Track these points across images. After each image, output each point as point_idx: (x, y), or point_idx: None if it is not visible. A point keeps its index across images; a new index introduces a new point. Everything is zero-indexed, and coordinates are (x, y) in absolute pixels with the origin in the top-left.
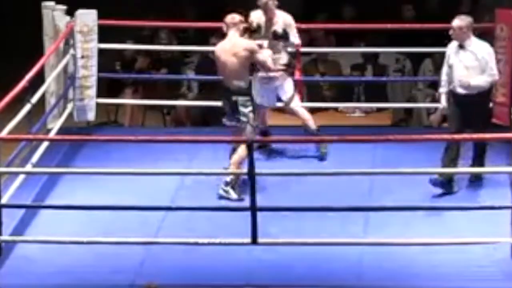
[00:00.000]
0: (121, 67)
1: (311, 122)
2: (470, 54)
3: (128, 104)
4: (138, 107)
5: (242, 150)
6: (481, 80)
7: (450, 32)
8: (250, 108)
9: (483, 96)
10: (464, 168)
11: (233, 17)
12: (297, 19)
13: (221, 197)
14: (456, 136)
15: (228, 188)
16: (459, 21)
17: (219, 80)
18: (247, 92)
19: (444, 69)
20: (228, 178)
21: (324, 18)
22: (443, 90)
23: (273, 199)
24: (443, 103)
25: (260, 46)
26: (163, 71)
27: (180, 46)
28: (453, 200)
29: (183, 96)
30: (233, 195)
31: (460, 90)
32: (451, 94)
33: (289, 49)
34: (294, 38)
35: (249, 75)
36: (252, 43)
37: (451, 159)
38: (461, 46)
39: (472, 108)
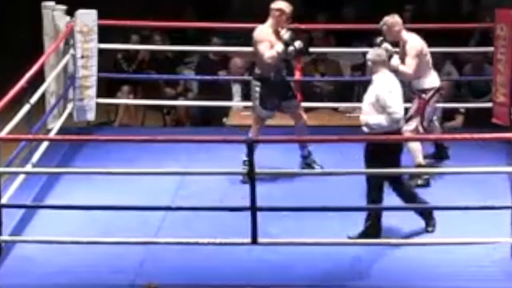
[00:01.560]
0: (124, 59)
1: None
2: (373, 89)
3: (122, 103)
4: (135, 106)
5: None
6: (380, 119)
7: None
8: (256, 95)
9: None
10: (462, 168)
11: (275, 3)
12: (297, 19)
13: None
14: (458, 136)
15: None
16: (369, 55)
17: (218, 80)
18: (258, 77)
19: None
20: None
21: (324, 18)
22: None
23: (273, 199)
24: None
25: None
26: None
27: (180, 46)
28: (453, 200)
29: (181, 95)
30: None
31: (365, 129)
32: None
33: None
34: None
35: (269, 63)
36: (261, 34)
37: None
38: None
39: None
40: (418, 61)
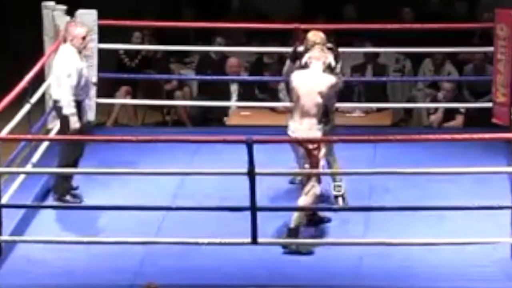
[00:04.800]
0: (126, 54)
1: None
2: None
3: (117, 103)
4: (134, 106)
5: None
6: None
7: None
8: None
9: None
10: (462, 168)
11: None
12: (297, 19)
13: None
14: (457, 136)
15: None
16: None
17: (218, 80)
18: None
19: None
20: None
21: (323, 18)
22: None
23: (273, 199)
24: None
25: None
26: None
27: (180, 46)
28: (453, 200)
29: (177, 89)
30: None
31: None
32: None
33: None
34: None
35: None
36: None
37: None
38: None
39: None
40: None
